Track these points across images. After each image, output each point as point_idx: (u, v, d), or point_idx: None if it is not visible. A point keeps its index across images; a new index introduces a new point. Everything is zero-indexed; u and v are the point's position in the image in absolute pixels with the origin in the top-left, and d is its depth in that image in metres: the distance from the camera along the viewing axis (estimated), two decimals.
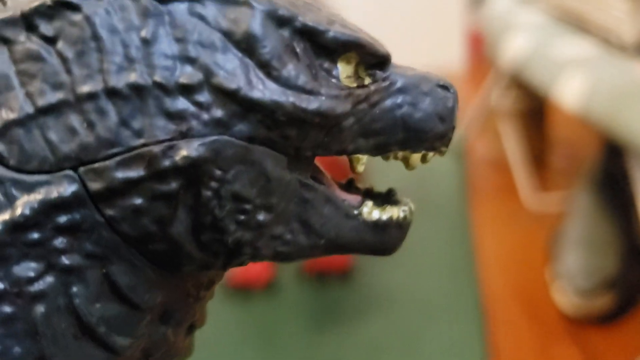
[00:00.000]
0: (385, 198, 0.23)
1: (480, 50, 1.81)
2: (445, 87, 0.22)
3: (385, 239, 0.22)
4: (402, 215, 0.23)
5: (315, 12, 0.20)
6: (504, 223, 0.89)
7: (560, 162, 1.07)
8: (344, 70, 0.20)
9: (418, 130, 0.21)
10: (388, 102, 0.20)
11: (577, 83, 0.57)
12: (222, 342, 0.66)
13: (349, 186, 0.23)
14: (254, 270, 0.76)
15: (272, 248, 0.20)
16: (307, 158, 0.20)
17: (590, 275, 0.64)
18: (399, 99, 0.21)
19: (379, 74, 0.21)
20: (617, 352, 0.61)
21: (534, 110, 1.03)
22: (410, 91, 0.21)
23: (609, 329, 0.64)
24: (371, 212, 0.22)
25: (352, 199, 0.22)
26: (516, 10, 0.80)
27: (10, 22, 0.19)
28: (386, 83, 0.21)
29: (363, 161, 0.22)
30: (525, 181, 0.95)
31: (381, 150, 0.22)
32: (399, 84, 0.21)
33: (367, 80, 0.20)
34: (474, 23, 1.80)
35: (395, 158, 0.23)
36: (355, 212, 0.22)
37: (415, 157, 0.23)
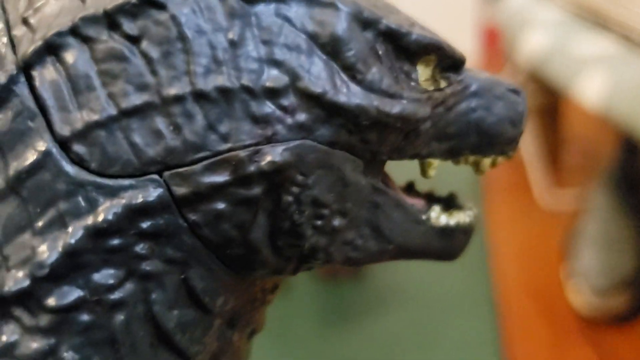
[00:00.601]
0: (449, 202, 0.23)
1: (494, 44, 1.79)
2: (516, 92, 0.22)
3: (452, 245, 0.22)
4: (467, 220, 0.23)
5: (396, 14, 0.19)
6: (518, 220, 0.88)
7: (575, 159, 1.06)
8: (422, 73, 0.20)
9: (491, 135, 0.21)
10: (463, 106, 0.20)
11: (598, 81, 0.56)
12: None
13: (410, 190, 0.23)
14: None
15: (344, 253, 0.20)
16: (380, 162, 0.20)
17: (606, 274, 0.64)
18: (473, 103, 0.21)
19: (454, 76, 0.20)
20: (632, 352, 0.60)
21: (549, 106, 1.02)
22: (483, 95, 0.21)
23: (623, 329, 0.63)
24: (439, 217, 0.22)
25: (417, 203, 0.22)
26: (533, 6, 0.79)
27: (92, 19, 0.19)
28: (461, 86, 0.21)
29: (434, 165, 0.22)
30: (540, 178, 0.94)
31: (454, 154, 0.22)
32: (473, 88, 0.21)
33: (443, 84, 0.20)
34: (488, 17, 1.78)
35: (466, 162, 0.22)
36: (424, 217, 0.22)
37: (486, 161, 0.23)
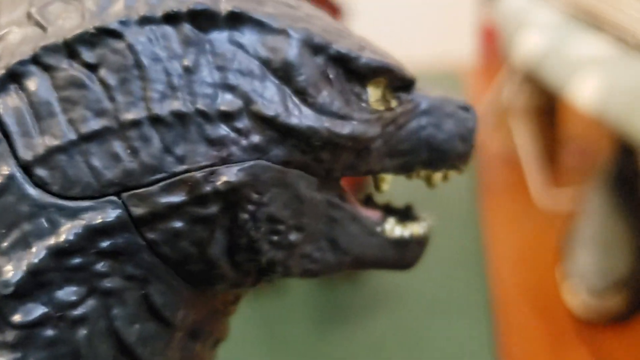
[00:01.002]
0: (404, 214, 0.24)
1: (492, 44, 1.79)
2: (466, 109, 0.23)
3: (406, 256, 0.23)
4: (422, 232, 0.24)
5: (347, 37, 0.20)
6: (514, 220, 0.88)
7: (572, 159, 1.05)
8: (373, 94, 0.21)
9: (441, 151, 0.22)
10: (413, 124, 0.22)
11: (592, 83, 0.56)
12: (229, 340, 0.66)
13: (367, 201, 0.24)
14: None
15: (302, 266, 0.21)
16: (335, 179, 0.21)
17: (602, 275, 0.63)
18: (424, 121, 0.22)
19: (405, 96, 0.22)
20: (628, 353, 0.60)
21: (546, 107, 1.02)
22: (433, 113, 0.22)
23: (620, 330, 0.63)
24: (393, 229, 0.23)
25: (373, 215, 0.23)
26: (531, 7, 0.79)
27: (52, 48, 0.19)
28: (411, 105, 0.22)
29: (388, 180, 0.23)
30: (537, 178, 0.94)
31: (406, 169, 0.23)
32: (423, 106, 0.22)
33: (394, 103, 0.21)
34: (486, 17, 1.78)
35: (418, 177, 0.23)
36: (379, 229, 0.23)
37: (437, 175, 0.24)
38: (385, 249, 0.23)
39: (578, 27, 0.67)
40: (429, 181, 0.24)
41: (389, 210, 0.24)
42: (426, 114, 0.22)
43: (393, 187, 0.87)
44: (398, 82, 0.21)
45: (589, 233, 0.68)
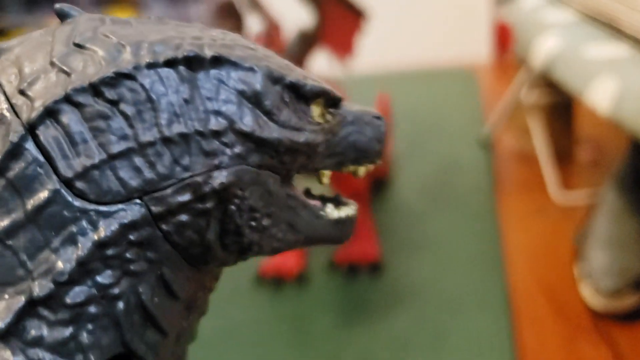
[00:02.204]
0: (336, 201, 0.29)
1: (506, 43, 1.78)
2: (378, 118, 0.29)
3: (343, 231, 0.29)
4: (352, 212, 0.29)
5: (294, 70, 0.27)
6: (531, 217, 0.88)
7: (588, 156, 1.05)
8: (315, 111, 0.27)
9: (364, 150, 0.28)
10: (344, 132, 0.28)
11: (609, 86, 0.56)
12: (253, 333, 0.67)
13: (307, 194, 0.29)
14: (285, 261, 0.77)
15: (270, 245, 0.27)
16: (290, 177, 0.27)
17: (616, 275, 0.63)
18: (350, 129, 0.28)
19: (336, 111, 0.27)
20: None
21: (562, 104, 1.01)
22: (356, 122, 0.28)
23: (636, 326, 0.63)
24: (332, 212, 0.28)
25: (316, 203, 0.28)
26: (547, 9, 0.78)
27: (80, 90, 0.24)
28: (341, 118, 0.28)
29: (327, 174, 0.29)
30: (553, 175, 0.94)
31: (340, 166, 0.29)
32: (349, 118, 0.28)
33: (329, 117, 0.27)
34: (500, 17, 1.77)
35: (347, 170, 0.29)
36: (322, 213, 0.28)
37: (362, 169, 0.29)
38: (328, 227, 0.28)
39: (594, 29, 0.67)
40: (355, 174, 0.29)
41: (324, 199, 0.30)
42: (352, 124, 0.28)
43: (411, 188, 0.87)
44: (331, 101, 0.27)
45: (603, 233, 0.68)
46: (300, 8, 0.74)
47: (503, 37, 1.78)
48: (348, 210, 0.29)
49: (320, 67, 0.88)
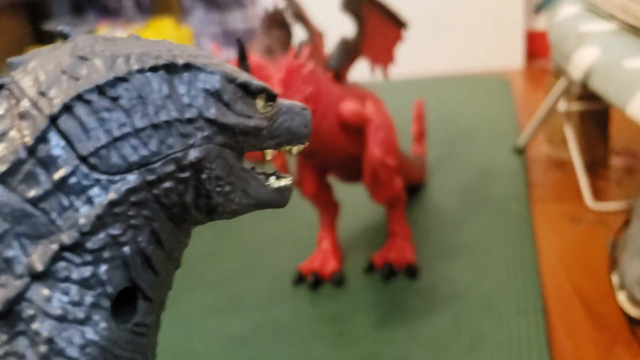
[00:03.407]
0: (276, 175, 0.36)
1: (539, 51, 1.76)
2: (305, 109, 0.36)
3: (284, 197, 0.35)
4: (289, 183, 0.35)
5: (242, 73, 0.34)
6: (565, 224, 0.87)
7: (623, 164, 1.04)
8: (259, 103, 0.33)
9: (296, 134, 0.35)
10: (280, 119, 0.34)
11: None
12: (293, 332, 0.68)
13: (252, 169, 0.35)
14: (323, 261, 0.77)
15: (230, 207, 0.33)
16: (242, 154, 0.34)
17: None
18: (285, 117, 0.35)
19: (274, 104, 0.34)
20: None
21: (597, 113, 1.00)
22: (289, 112, 0.35)
23: None
24: (275, 182, 0.35)
25: (260, 176, 0.36)
26: (585, 19, 0.77)
27: (89, 90, 0.31)
28: (277, 109, 0.35)
29: (270, 153, 0.35)
30: (587, 183, 0.93)
31: (279, 146, 0.35)
32: (283, 109, 0.35)
33: (269, 108, 0.34)
34: (533, 26, 1.75)
35: (284, 150, 0.35)
36: (267, 183, 0.35)
37: (295, 148, 0.35)
38: (272, 194, 0.35)
39: (635, 38, 0.66)
40: (289, 152, 0.36)
41: (266, 174, 0.36)
42: (286, 113, 0.35)
43: (446, 192, 0.87)
44: (270, 96, 0.34)
45: (636, 244, 0.67)
46: (343, 18, 0.74)
47: (535, 45, 1.76)
48: (286, 181, 0.36)
49: (361, 73, 0.88)
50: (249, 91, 0.33)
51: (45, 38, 1.61)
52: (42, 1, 1.67)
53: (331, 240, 0.79)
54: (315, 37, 0.69)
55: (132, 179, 0.30)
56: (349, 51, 0.72)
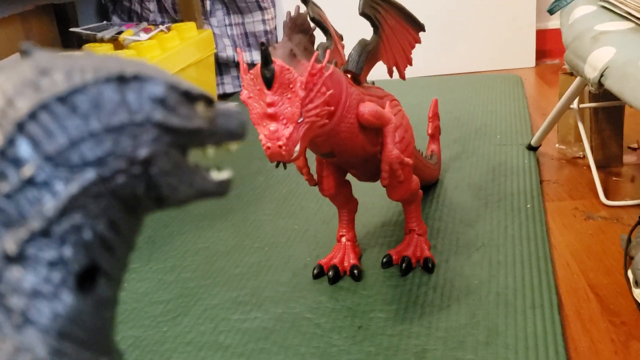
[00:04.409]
0: (217, 168, 0.39)
1: (550, 49, 1.74)
2: (240, 112, 0.39)
3: (224, 188, 0.38)
4: (229, 176, 0.38)
5: (183, 81, 0.37)
6: (579, 220, 0.86)
7: (638, 160, 1.02)
8: (199, 107, 0.37)
9: (233, 133, 0.38)
10: (219, 120, 0.38)
11: None
12: (312, 325, 0.68)
13: (196, 165, 0.38)
14: (342, 256, 0.78)
15: (177, 198, 0.36)
16: (187, 151, 0.36)
17: None
18: (223, 119, 0.38)
19: (211, 107, 0.38)
20: None
21: (612, 110, 0.99)
22: (227, 114, 0.38)
23: None
24: (216, 175, 0.38)
25: (204, 171, 0.39)
26: (600, 18, 0.77)
27: (52, 99, 0.34)
28: (216, 111, 0.38)
29: (211, 150, 0.38)
30: (602, 178, 0.92)
31: (219, 143, 0.38)
32: (221, 111, 0.38)
33: (208, 111, 0.37)
34: (544, 26, 1.74)
35: (224, 147, 0.38)
36: (210, 176, 0.38)
37: (233, 145, 0.38)
38: (214, 186, 0.38)
39: None
40: (227, 149, 0.39)
41: (207, 168, 0.39)
42: (224, 115, 0.38)
43: (461, 189, 0.85)
44: (208, 101, 0.37)
45: None
46: (362, 21, 0.74)
47: (545, 43, 1.74)
48: (226, 175, 0.39)
49: (378, 74, 0.88)
50: (190, 97, 0.37)
51: (72, 41, 1.62)
52: (68, 5, 1.69)
53: (350, 236, 0.79)
54: (334, 39, 0.69)
55: (90, 175, 0.33)
56: (368, 54, 0.71)
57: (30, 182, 0.33)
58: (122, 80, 0.35)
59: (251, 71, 0.59)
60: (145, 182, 0.35)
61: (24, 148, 0.33)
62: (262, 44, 0.56)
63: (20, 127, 0.33)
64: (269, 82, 0.57)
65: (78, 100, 0.34)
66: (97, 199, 0.34)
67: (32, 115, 0.33)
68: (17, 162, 0.33)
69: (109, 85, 0.35)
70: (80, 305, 0.34)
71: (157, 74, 0.37)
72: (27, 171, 0.33)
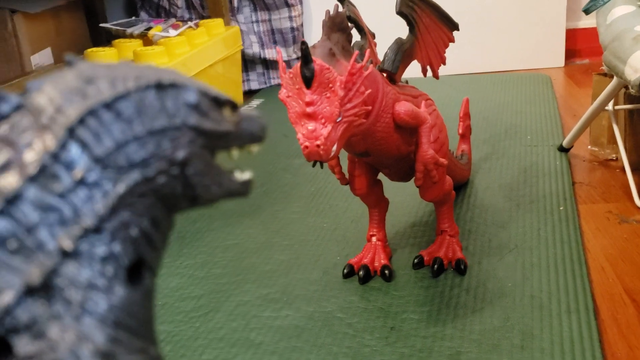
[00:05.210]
0: (240, 170, 0.41)
1: (579, 48, 1.72)
2: (260, 116, 0.41)
3: (247, 189, 0.40)
4: (251, 176, 0.40)
5: (211, 87, 0.39)
6: (614, 223, 0.85)
7: None
8: (226, 112, 0.39)
9: (255, 136, 0.40)
10: (243, 124, 0.40)
11: None
12: (344, 325, 0.68)
13: (221, 166, 0.40)
14: (372, 256, 0.77)
15: (208, 197, 0.38)
16: (216, 153, 0.38)
17: None
18: (246, 123, 0.40)
19: (236, 112, 0.40)
20: None
21: None
22: (249, 118, 0.40)
23: None
24: (240, 176, 0.40)
25: (229, 172, 0.41)
26: (637, 21, 0.75)
27: (99, 105, 0.35)
28: (240, 116, 0.40)
29: (236, 152, 0.40)
30: (637, 180, 0.90)
31: (242, 146, 0.40)
32: (245, 116, 0.40)
33: (234, 116, 0.39)
34: (574, 26, 1.71)
35: (247, 149, 0.41)
36: (234, 177, 0.40)
37: (254, 147, 0.41)
38: (238, 185, 0.40)
39: None
40: (249, 152, 0.41)
41: (231, 169, 0.41)
42: (246, 120, 0.40)
43: (492, 191, 0.84)
44: (234, 106, 0.39)
45: None
46: (397, 20, 0.74)
47: (575, 43, 1.72)
48: (248, 175, 0.41)
49: (413, 72, 0.88)
50: (218, 102, 0.39)
51: (101, 37, 1.64)
52: (97, 0, 1.70)
53: (380, 236, 0.79)
54: (368, 38, 0.69)
55: (135, 175, 0.35)
56: (404, 53, 0.71)
57: (81, 182, 0.35)
58: (160, 87, 0.37)
59: (290, 70, 0.58)
60: (182, 182, 0.37)
61: (75, 151, 0.35)
62: (303, 42, 0.55)
63: (71, 132, 0.35)
64: (308, 81, 0.57)
65: (122, 106, 0.36)
66: (142, 198, 0.36)
67: (81, 121, 0.35)
68: (69, 165, 0.35)
69: (149, 92, 0.37)
70: (131, 296, 0.36)
71: (189, 82, 0.39)
72: (79, 173, 0.35)
